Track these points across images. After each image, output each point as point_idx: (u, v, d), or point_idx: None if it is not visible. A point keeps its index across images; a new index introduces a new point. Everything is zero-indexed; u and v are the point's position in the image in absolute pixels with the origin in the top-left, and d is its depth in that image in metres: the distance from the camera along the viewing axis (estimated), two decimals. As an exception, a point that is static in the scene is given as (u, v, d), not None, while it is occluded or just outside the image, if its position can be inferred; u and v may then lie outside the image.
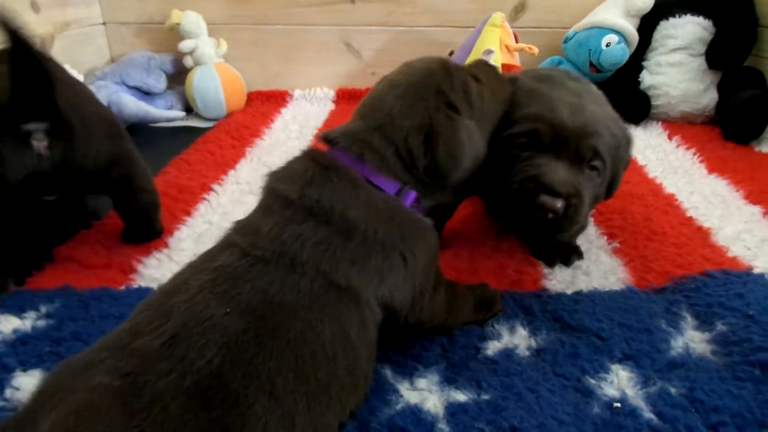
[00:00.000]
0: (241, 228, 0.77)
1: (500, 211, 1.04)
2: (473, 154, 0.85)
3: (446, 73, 0.86)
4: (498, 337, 0.93)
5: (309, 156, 0.81)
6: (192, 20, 2.19)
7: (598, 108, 1.04)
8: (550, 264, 1.16)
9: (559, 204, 0.92)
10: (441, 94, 0.83)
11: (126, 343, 0.61)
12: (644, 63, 2.10)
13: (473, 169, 0.87)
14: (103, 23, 2.39)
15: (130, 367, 0.58)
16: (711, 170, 1.63)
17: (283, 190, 0.76)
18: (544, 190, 0.92)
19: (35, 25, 1.95)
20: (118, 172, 1.16)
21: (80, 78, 1.86)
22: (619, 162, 1.06)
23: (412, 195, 0.81)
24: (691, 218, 1.33)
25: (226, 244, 0.74)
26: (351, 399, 0.72)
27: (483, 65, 0.97)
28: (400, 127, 0.79)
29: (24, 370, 0.87)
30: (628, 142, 1.08)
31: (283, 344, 0.63)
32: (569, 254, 1.17)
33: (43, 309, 1.02)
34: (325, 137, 0.82)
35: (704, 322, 0.95)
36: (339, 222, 0.72)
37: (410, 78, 0.85)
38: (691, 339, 0.93)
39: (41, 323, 0.98)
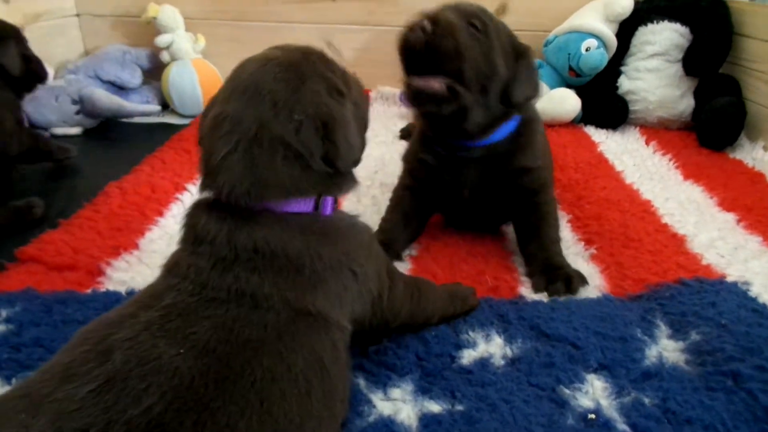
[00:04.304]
0: (174, 268, 0.68)
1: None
2: (362, 135, 0.81)
3: (323, 57, 0.77)
4: (473, 345, 0.92)
5: (211, 209, 0.70)
6: (169, 14, 2.15)
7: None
8: (557, 293, 1.06)
9: (426, 22, 1.00)
10: (326, 78, 0.73)
11: (51, 390, 0.54)
12: (622, 68, 2.12)
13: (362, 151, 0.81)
14: (77, 15, 2.33)
15: (36, 430, 0.51)
16: (687, 176, 1.64)
17: (208, 251, 0.67)
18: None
19: (4, 16, 1.88)
20: None
21: (50, 71, 1.80)
22: (518, 61, 1.10)
23: (329, 201, 0.75)
24: (666, 225, 1.34)
25: (166, 286, 0.66)
26: (330, 430, 0.68)
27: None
28: (288, 119, 0.68)
29: (-20, 378, 0.83)
30: (525, 48, 1.13)
31: (248, 385, 0.58)
32: (571, 280, 1.08)
33: (3, 313, 0.97)
34: (215, 192, 0.69)
35: (678, 331, 0.95)
36: (284, 261, 0.67)
37: (289, 56, 0.73)
38: (665, 348, 0.93)
39: (0, 328, 0.94)
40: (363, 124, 0.83)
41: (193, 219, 0.71)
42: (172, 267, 0.69)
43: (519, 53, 1.11)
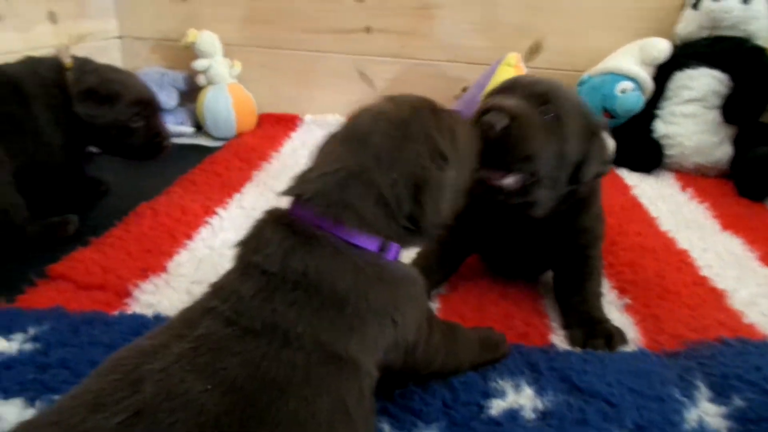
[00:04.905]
0: (219, 291, 0.69)
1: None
2: (454, 203, 0.81)
3: (434, 114, 0.79)
4: (502, 395, 0.89)
5: (279, 221, 0.72)
6: (207, 40, 2.20)
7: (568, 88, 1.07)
8: (595, 349, 1.02)
9: (502, 119, 0.92)
10: (431, 138, 0.76)
11: (80, 419, 0.53)
12: (657, 112, 2.08)
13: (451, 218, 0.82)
14: (119, 37, 2.40)
15: None
16: (725, 227, 1.59)
17: (260, 263, 0.68)
18: (488, 110, 0.94)
19: (51, 36, 1.95)
20: None
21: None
22: (590, 140, 1.02)
23: (395, 248, 0.75)
24: (705, 278, 1.29)
25: (204, 308, 0.66)
26: None
27: (452, 112, 0.89)
28: (386, 173, 0.72)
29: (5, 398, 0.83)
30: (598, 125, 1.05)
31: (272, 427, 0.57)
32: (612, 337, 1.04)
33: (31, 331, 0.97)
34: (297, 195, 0.73)
35: (720, 395, 0.90)
36: (329, 295, 0.66)
37: (400, 112, 0.77)
38: (706, 412, 0.88)
39: (28, 347, 0.94)
40: (463, 184, 0.84)
41: (261, 230, 0.73)
42: (218, 289, 0.69)
43: (592, 132, 1.03)
